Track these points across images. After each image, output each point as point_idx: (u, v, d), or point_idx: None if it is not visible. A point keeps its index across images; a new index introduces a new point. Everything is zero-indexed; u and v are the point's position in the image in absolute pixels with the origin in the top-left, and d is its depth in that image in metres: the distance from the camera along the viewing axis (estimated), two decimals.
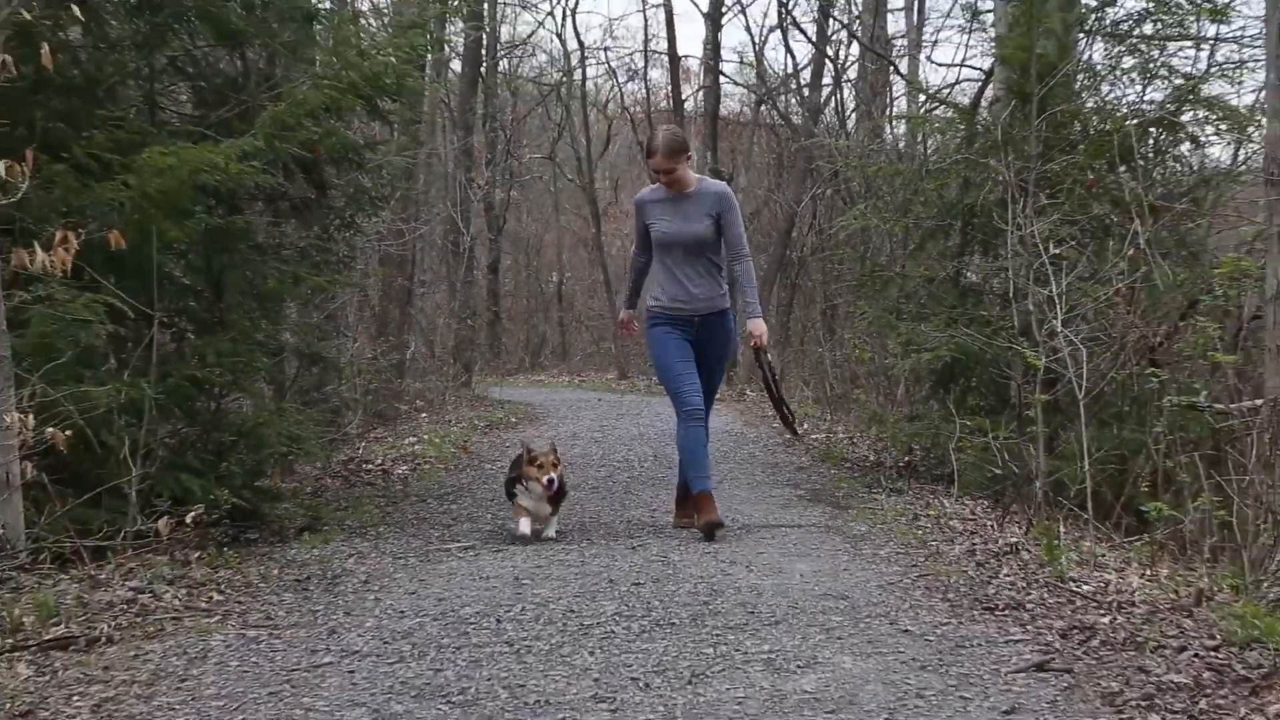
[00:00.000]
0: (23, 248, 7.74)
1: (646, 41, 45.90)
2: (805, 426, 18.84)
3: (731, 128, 37.33)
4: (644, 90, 44.59)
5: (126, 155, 9.20)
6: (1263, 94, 10.00)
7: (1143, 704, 5.21)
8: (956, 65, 49.97)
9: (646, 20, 64.34)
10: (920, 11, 29.98)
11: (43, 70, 8.09)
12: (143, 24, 10.63)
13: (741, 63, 42.09)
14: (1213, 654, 5.84)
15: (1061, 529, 9.17)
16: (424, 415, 20.29)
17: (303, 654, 6.25)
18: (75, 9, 8.68)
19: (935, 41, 43.79)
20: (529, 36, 46.90)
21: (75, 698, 5.51)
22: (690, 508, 9.95)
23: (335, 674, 5.87)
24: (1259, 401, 7.55)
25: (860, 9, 28.70)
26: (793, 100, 32.60)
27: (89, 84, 9.78)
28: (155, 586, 7.67)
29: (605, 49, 74.90)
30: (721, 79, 35.59)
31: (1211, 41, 13.96)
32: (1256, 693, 5.24)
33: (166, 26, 10.77)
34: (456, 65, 29.41)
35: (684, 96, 36.70)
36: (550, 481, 9.39)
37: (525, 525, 9.55)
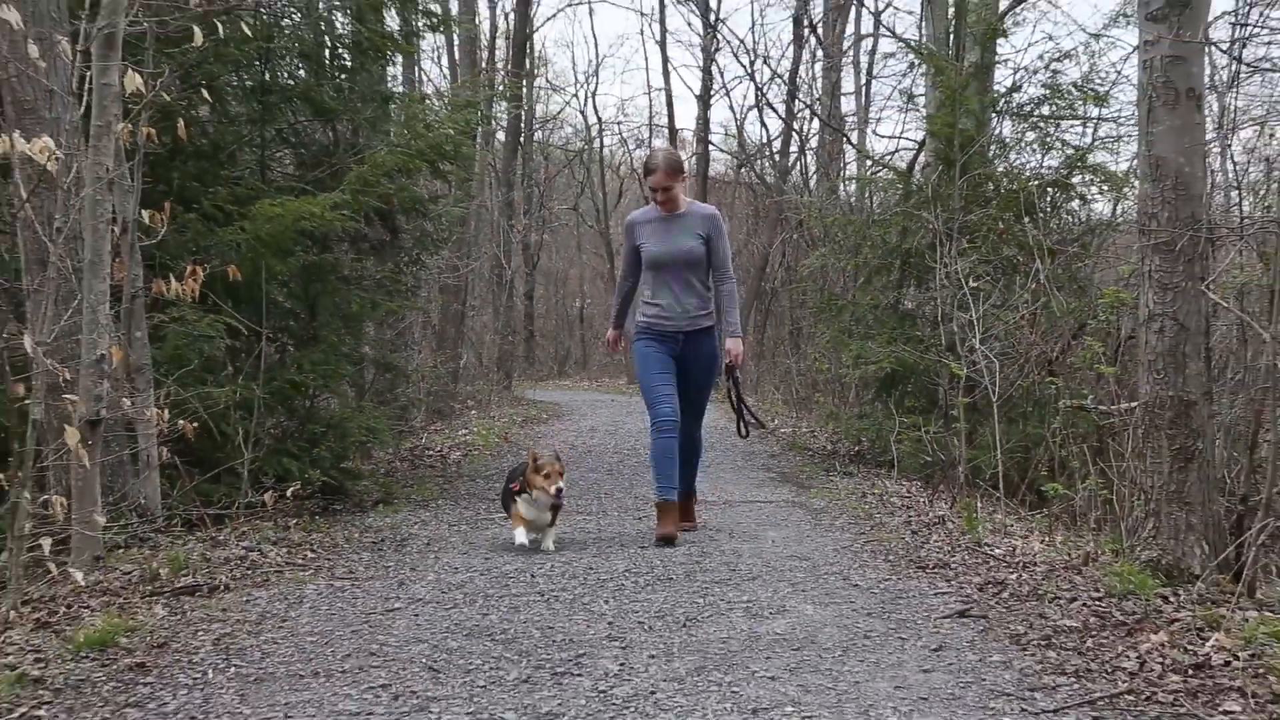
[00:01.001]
0: (161, 279, 7.78)
1: (651, 117, 46.45)
2: (775, 422, 18.84)
3: (718, 186, 37.30)
4: None
5: (243, 206, 9.31)
6: (1134, 162, 10.02)
7: (1042, 643, 5.22)
8: (896, 137, 49.94)
9: (651, 101, 64.75)
10: (867, 95, 30.13)
11: (179, 140, 8.15)
12: (257, 104, 10.73)
13: (726, 135, 42.04)
14: (1097, 603, 5.86)
15: (979, 504, 9.21)
16: (473, 412, 20.27)
17: (378, 600, 6.28)
18: (205, 93, 8.69)
19: (879, 118, 44.05)
20: (558, 113, 47.21)
21: (199, 633, 5.54)
22: (689, 513, 8.80)
23: (403, 616, 5.89)
24: (1134, 404, 7.54)
25: (820, 92, 28.70)
26: (767, 164, 32.58)
27: (214, 150, 9.82)
28: (262, 546, 7.72)
29: (618, 123, 74.92)
30: (710, 147, 35.72)
31: (1095, 120, 13.99)
32: (1131, 634, 5.25)
33: (275, 106, 10.89)
34: (501, 135, 29.37)
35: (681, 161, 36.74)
36: (559, 491, 7.82)
37: (522, 535, 7.90)
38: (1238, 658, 4.76)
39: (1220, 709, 4.22)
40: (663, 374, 8.35)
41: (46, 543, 6.41)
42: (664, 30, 53.22)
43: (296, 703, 4.47)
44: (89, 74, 7.05)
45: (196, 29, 7.91)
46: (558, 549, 7.89)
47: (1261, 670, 4.59)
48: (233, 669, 4.97)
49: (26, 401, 6.53)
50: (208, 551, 7.44)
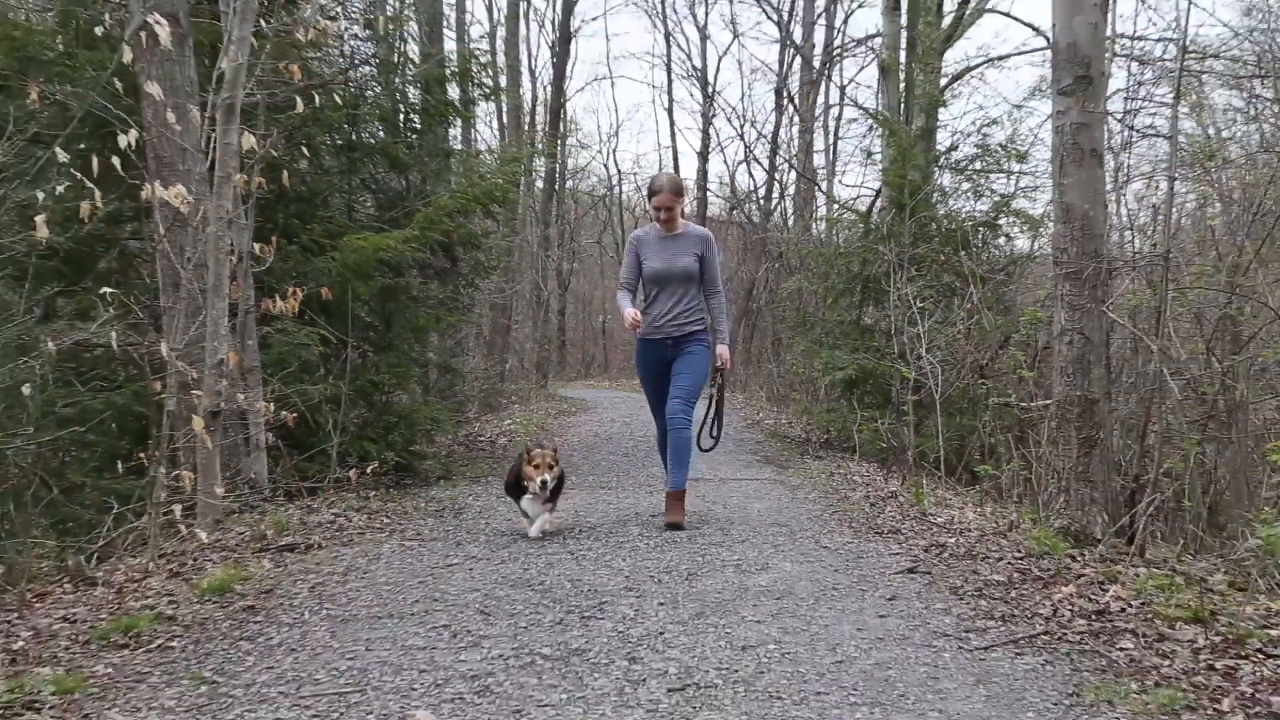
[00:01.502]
0: (269, 298, 7.81)
1: (660, 169, 46.25)
2: (759, 415, 18.81)
3: (714, 225, 37.18)
4: None
5: (334, 240, 9.34)
6: (1049, 207, 10.05)
7: (975, 594, 5.22)
8: (857, 186, 49.93)
9: (660, 156, 64.55)
10: (834, 152, 30.15)
11: (283, 188, 8.17)
12: (345, 158, 10.81)
13: (721, 183, 42.14)
14: (1019, 562, 5.85)
15: (924, 482, 9.19)
16: (516, 406, 20.25)
17: (440, 557, 6.28)
18: (304, 150, 8.74)
19: (844, 171, 43.92)
20: (585, 166, 47.70)
21: (298, 582, 5.55)
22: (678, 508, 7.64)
23: (460, 570, 5.90)
24: (1049, 401, 7.55)
25: (796, 150, 28.66)
26: (753, 207, 32.55)
27: (311, 196, 9.84)
28: (347, 513, 7.72)
29: (634, 174, 74.91)
30: (708, 193, 35.80)
31: (1017, 173, 13.97)
32: (1046, 586, 5.25)
33: (360, 160, 10.95)
34: (540, 183, 29.31)
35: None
36: (544, 484, 6.90)
37: (535, 528, 7.03)
38: (1131, 605, 4.77)
39: (1117, 646, 4.23)
40: (657, 378, 7.77)
41: (178, 509, 6.45)
42: (671, 100, 54.06)
43: (375, 638, 4.48)
44: (213, 135, 7.08)
45: (299, 99, 7.97)
46: (564, 531, 7.27)
47: (1149, 615, 4.60)
48: (324, 611, 4.99)
49: (163, 396, 6.57)
50: (304, 517, 7.46)
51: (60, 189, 6.72)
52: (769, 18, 45.92)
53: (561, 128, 31.69)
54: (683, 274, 7.62)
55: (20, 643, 4.39)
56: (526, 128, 29.05)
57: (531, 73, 33.50)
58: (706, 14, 67.73)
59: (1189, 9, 17.03)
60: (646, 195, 7.93)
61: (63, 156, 6.30)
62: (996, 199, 13.47)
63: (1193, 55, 12.68)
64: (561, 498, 7.48)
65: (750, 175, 43.99)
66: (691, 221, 8.16)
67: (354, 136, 10.90)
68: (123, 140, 6.43)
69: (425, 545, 6.71)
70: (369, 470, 8.85)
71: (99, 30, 8.18)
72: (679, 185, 7.85)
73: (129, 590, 5.36)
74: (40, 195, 6.54)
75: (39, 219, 6.03)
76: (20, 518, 7.69)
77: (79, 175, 6.24)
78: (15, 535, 7.36)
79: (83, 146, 7.68)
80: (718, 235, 34.50)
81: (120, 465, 7.60)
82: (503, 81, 22.99)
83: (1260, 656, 3.99)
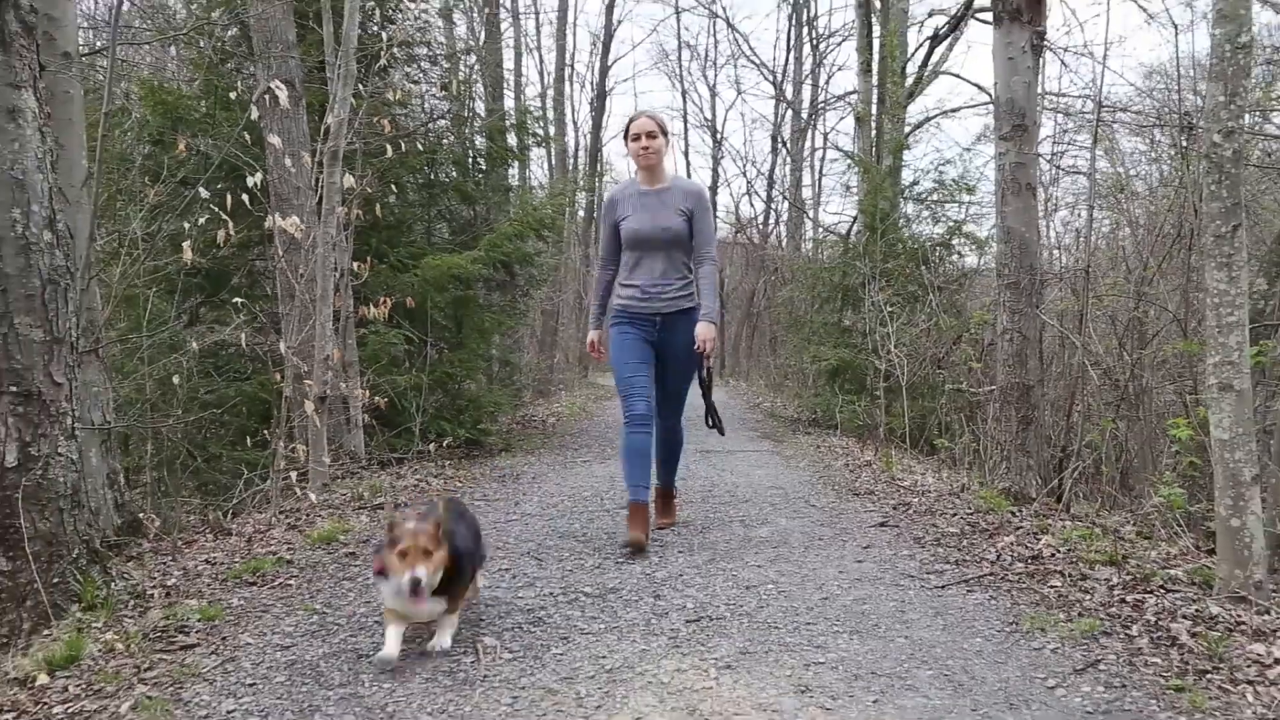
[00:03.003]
0: (364, 306, 7.83)
1: None
2: (759, 400, 18.79)
3: (723, 246, 37.24)
4: None
5: (416, 260, 9.37)
6: (993, 230, 10.00)
7: (934, 543, 5.19)
8: (839, 213, 49.46)
9: None
10: (819, 186, 30.19)
11: (376, 218, 8.19)
12: (425, 194, 10.79)
13: (727, 212, 41.88)
14: (970, 517, 5.81)
15: (893, 453, 9.14)
16: (563, 392, 20.25)
17: (501, 514, 6.29)
18: (393, 187, 8.75)
19: (827, 201, 43.69)
20: None
21: None
22: (669, 509, 5.84)
23: (518, 525, 5.90)
24: (993, 387, 7.51)
25: (788, 184, 28.59)
26: (754, 231, 32.48)
27: (398, 224, 9.86)
28: (427, 479, 7.74)
29: None
30: (718, 220, 35.63)
31: (967, 203, 13.87)
32: (991, 536, 5.21)
33: (436, 195, 10.95)
34: (581, 211, 29.28)
35: None
36: (415, 584, 3.18)
37: (392, 641, 3.30)
38: (1059, 551, 4.74)
39: (1048, 584, 4.20)
40: (639, 364, 5.24)
41: (294, 475, 6.48)
42: (687, 144, 53.75)
43: None
44: (321, 176, 7.11)
45: (389, 147, 7.99)
46: (602, 494, 6.66)
47: (1074, 559, 4.57)
48: None
49: (281, 385, 6.60)
50: (393, 482, 7.48)
51: (202, 220, 6.77)
52: (766, 79, 45.94)
53: (599, 167, 31.55)
54: (668, 237, 5.21)
55: (173, 580, 4.42)
56: (570, 168, 29.00)
57: (574, 124, 33.38)
58: (715, 76, 67.13)
59: (1103, 73, 17.00)
60: (624, 137, 5.33)
61: (204, 194, 6.33)
62: (950, 224, 13.40)
63: (1106, 109, 12.60)
64: (600, 465, 7.34)
65: (751, 205, 43.81)
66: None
67: (432, 176, 10.93)
68: (250, 181, 6.46)
69: (490, 504, 6.72)
70: (444, 444, 8.88)
71: (232, 94, 8.24)
72: (659, 119, 5.32)
73: (256, 539, 5.39)
74: (186, 225, 6.60)
75: (185, 244, 6.06)
76: (173, 481, 7.77)
77: (216, 209, 6.29)
78: (169, 495, 7.44)
79: (219, 186, 7.73)
80: (725, 256, 34.82)
81: (249, 440, 7.69)
82: (551, 131, 23.13)
83: (1162, 591, 3.96)
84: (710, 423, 5.68)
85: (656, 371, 5.32)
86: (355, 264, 7.90)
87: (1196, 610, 3.68)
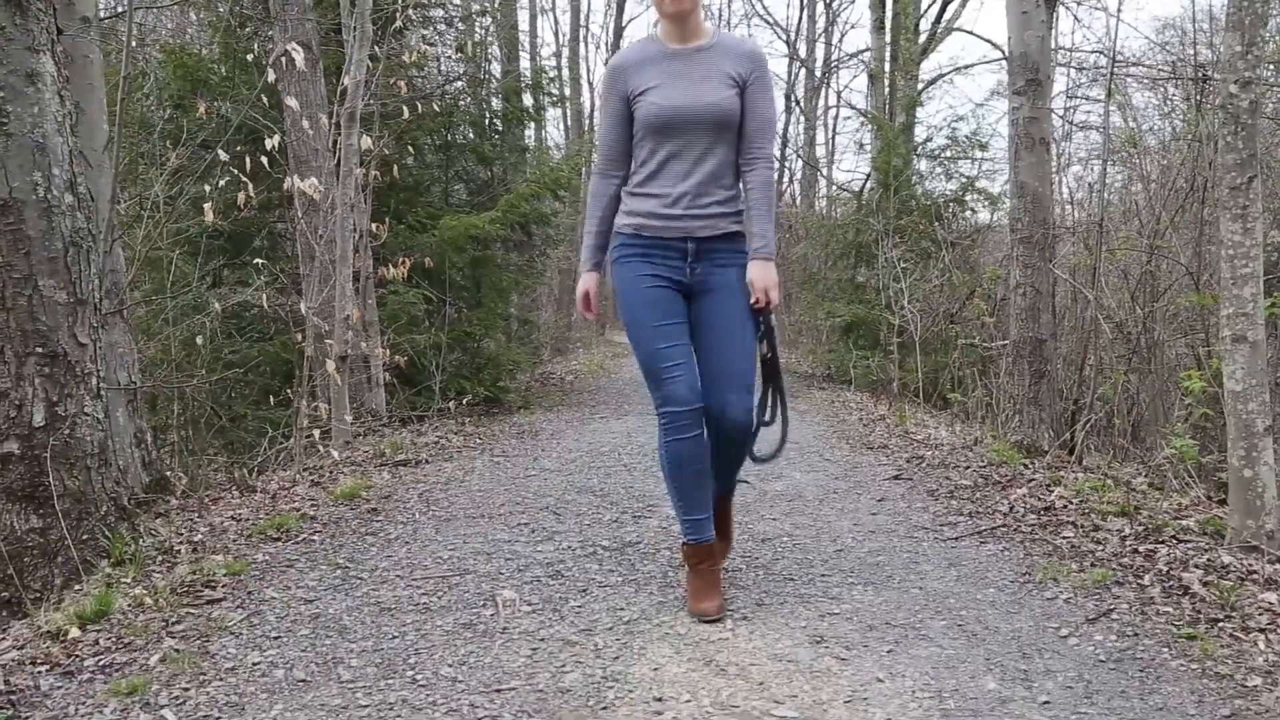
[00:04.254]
0: (384, 267, 7.83)
1: None
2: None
3: None
4: None
5: (434, 220, 9.34)
6: (1006, 185, 9.88)
7: (947, 495, 5.17)
8: (851, 171, 49.40)
9: None
10: (833, 144, 29.87)
11: (394, 179, 8.17)
12: (442, 155, 10.75)
13: None
14: (982, 469, 5.78)
15: (906, 407, 9.11)
16: (581, 350, 20.25)
17: (520, 469, 6.29)
18: (410, 148, 8.70)
19: (840, 159, 43.36)
20: None
21: (409, 490, 5.57)
22: (725, 528, 3.70)
23: (537, 480, 5.90)
24: (1005, 341, 7.47)
25: (803, 143, 28.36)
26: None
27: (416, 185, 9.83)
28: (447, 436, 7.75)
29: None
30: None
31: (980, 159, 13.75)
32: (1004, 488, 5.19)
33: (454, 156, 10.90)
34: None
35: None
36: None
37: None
38: (1071, 503, 4.72)
39: (1060, 535, 4.17)
40: (668, 322, 3.24)
41: (316, 433, 6.50)
42: None
43: (470, 534, 4.50)
44: (338, 138, 7.07)
45: (405, 108, 7.93)
46: (619, 449, 6.89)
47: (1086, 510, 4.54)
48: (430, 512, 5.01)
49: (303, 344, 6.61)
50: (414, 439, 7.49)
51: (222, 183, 6.75)
52: (779, 37, 45.25)
53: None
54: (714, 116, 3.19)
55: (200, 535, 4.44)
56: (586, 128, 28.79)
57: (590, 84, 33.17)
58: None
59: (1117, 26, 16.74)
60: None
61: (224, 157, 6.31)
62: (963, 180, 13.32)
63: (1119, 64, 12.42)
64: (618, 421, 7.30)
65: None
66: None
67: (449, 137, 10.86)
68: (268, 143, 6.45)
69: (509, 460, 6.72)
70: (464, 402, 8.88)
71: (250, 57, 8.19)
72: None
73: (280, 496, 5.41)
74: (207, 188, 6.58)
75: (207, 207, 6.07)
76: (198, 440, 7.81)
77: (236, 172, 6.27)
78: (194, 453, 7.48)
79: (239, 149, 7.70)
80: None
81: (272, 399, 7.72)
82: (567, 92, 22.94)
83: (1174, 541, 3.94)
84: (768, 418, 3.52)
85: (695, 332, 3.30)
86: (374, 225, 7.88)
87: (1208, 560, 3.66)
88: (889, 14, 16.94)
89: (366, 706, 2.59)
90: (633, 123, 3.28)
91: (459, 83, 11.56)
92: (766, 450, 3.54)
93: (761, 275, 3.25)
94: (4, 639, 3.18)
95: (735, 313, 3.27)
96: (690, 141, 3.20)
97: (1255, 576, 3.45)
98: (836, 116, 29.86)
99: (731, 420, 3.29)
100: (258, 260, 7.77)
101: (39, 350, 3.66)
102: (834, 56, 28.76)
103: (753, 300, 3.25)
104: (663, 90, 3.20)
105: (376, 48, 8.03)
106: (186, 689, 2.73)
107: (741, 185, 3.34)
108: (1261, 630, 3.00)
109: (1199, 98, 8.46)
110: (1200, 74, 8.54)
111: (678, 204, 3.22)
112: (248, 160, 6.26)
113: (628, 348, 19.30)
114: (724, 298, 3.27)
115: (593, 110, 30.93)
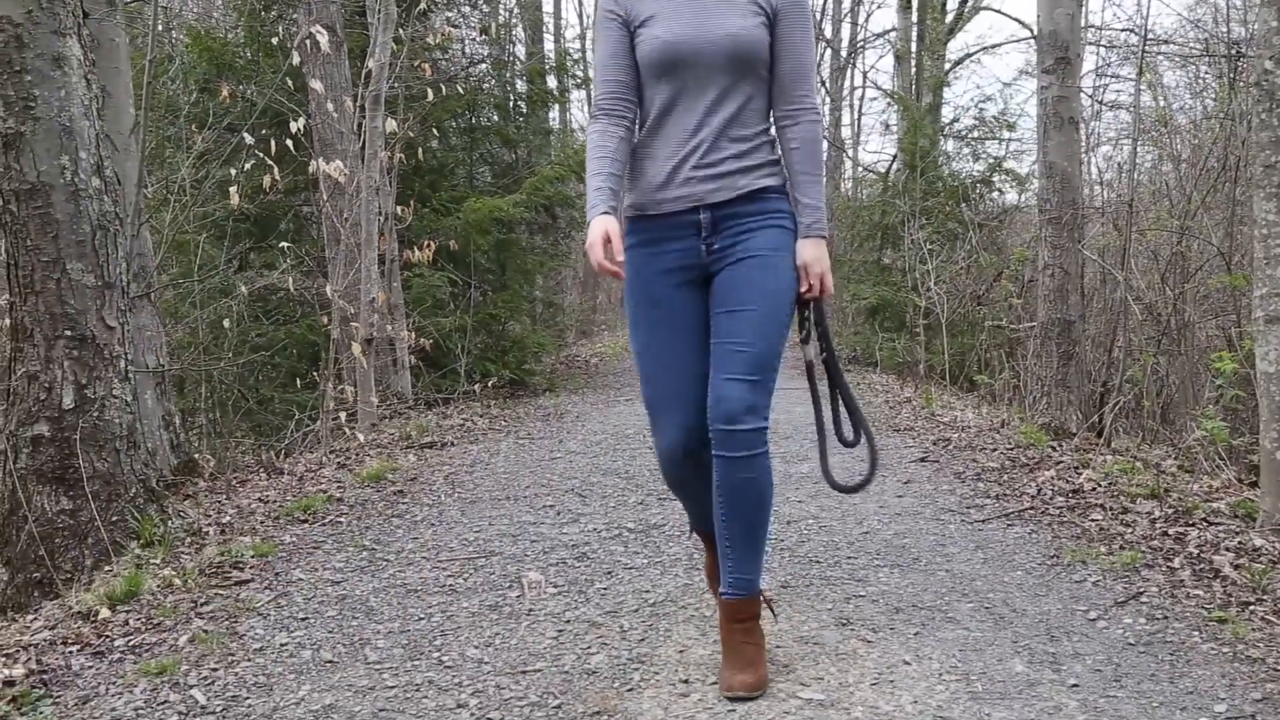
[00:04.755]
0: (409, 249, 7.84)
1: None
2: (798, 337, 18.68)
3: None
4: None
5: (459, 203, 9.33)
6: (1034, 166, 9.78)
7: (974, 478, 5.13)
8: (878, 152, 48.86)
9: None
10: (859, 125, 29.54)
11: (419, 162, 8.18)
12: (467, 138, 10.74)
13: None
14: (1010, 452, 5.74)
15: (932, 389, 9.06)
16: (605, 333, 20.26)
17: (545, 452, 6.30)
18: (435, 131, 8.69)
19: (866, 140, 42.95)
20: None
21: (435, 472, 5.59)
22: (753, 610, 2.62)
23: (562, 462, 5.90)
24: (1033, 323, 7.41)
25: (828, 124, 28.21)
26: None
27: (440, 168, 9.83)
28: (473, 418, 7.76)
29: None
30: None
31: (1007, 139, 13.64)
32: (1032, 471, 5.14)
33: (478, 139, 10.89)
34: None
35: None
36: None
37: None
38: (1100, 485, 4.67)
39: (1089, 518, 4.13)
40: (663, 341, 2.60)
41: (343, 415, 6.53)
42: None
43: (495, 516, 4.51)
44: (363, 120, 7.07)
45: (430, 91, 7.92)
46: (644, 430, 7.08)
47: (1115, 493, 4.50)
48: (456, 494, 5.02)
49: (329, 327, 6.63)
50: (440, 421, 7.51)
51: (248, 166, 6.76)
52: None
53: None
54: (728, 51, 2.40)
55: (228, 517, 4.47)
56: None
57: None
58: None
59: (1149, 3, 16.50)
60: None
61: (249, 140, 6.32)
62: (991, 160, 13.21)
63: (1151, 42, 12.26)
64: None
65: None
66: None
67: (474, 120, 10.85)
68: (294, 126, 6.45)
69: (534, 443, 6.73)
70: (490, 384, 8.90)
71: (275, 40, 8.20)
72: None
73: (307, 478, 5.44)
74: (233, 172, 6.60)
75: (233, 190, 6.09)
76: (226, 423, 7.87)
77: (262, 155, 6.28)
78: (222, 436, 7.54)
79: (264, 132, 7.71)
80: None
81: (299, 382, 7.77)
82: (590, 73, 22.83)
83: (1204, 524, 3.89)
84: (853, 438, 3.07)
85: (696, 315, 2.58)
86: (399, 208, 7.88)
87: (1239, 543, 3.61)
88: None
89: (393, 687, 2.60)
90: (635, 54, 2.50)
91: (483, 65, 11.54)
92: (848, 476, 2.95)
93: (815, 257, 2.58)
94: (36, 619, 3.22)
95: (760, 283, 2.48)
96: (701, 84, 2.43)
97: None
98: (863, 97, 29.78)
99: (726, 414, 2.44)
100: (284, 244, 7.79)
101: (68, 333, 3.68)
102: (860, 36, 28.52)
103: (804, 289, 2.60)
104: (665, 21, 2.44)
105: (401, 30, 8.02)
106: (215, 669, 2.75)
107: (780, 145, 2.57)
108: None
109: (1232, 75, 8.33)
110: (1234, 51, 8.41)
111: (685, 165, 2.46)
112: (273, 143, 6.26)
113: None
114: (748, 268, 2.49)
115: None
